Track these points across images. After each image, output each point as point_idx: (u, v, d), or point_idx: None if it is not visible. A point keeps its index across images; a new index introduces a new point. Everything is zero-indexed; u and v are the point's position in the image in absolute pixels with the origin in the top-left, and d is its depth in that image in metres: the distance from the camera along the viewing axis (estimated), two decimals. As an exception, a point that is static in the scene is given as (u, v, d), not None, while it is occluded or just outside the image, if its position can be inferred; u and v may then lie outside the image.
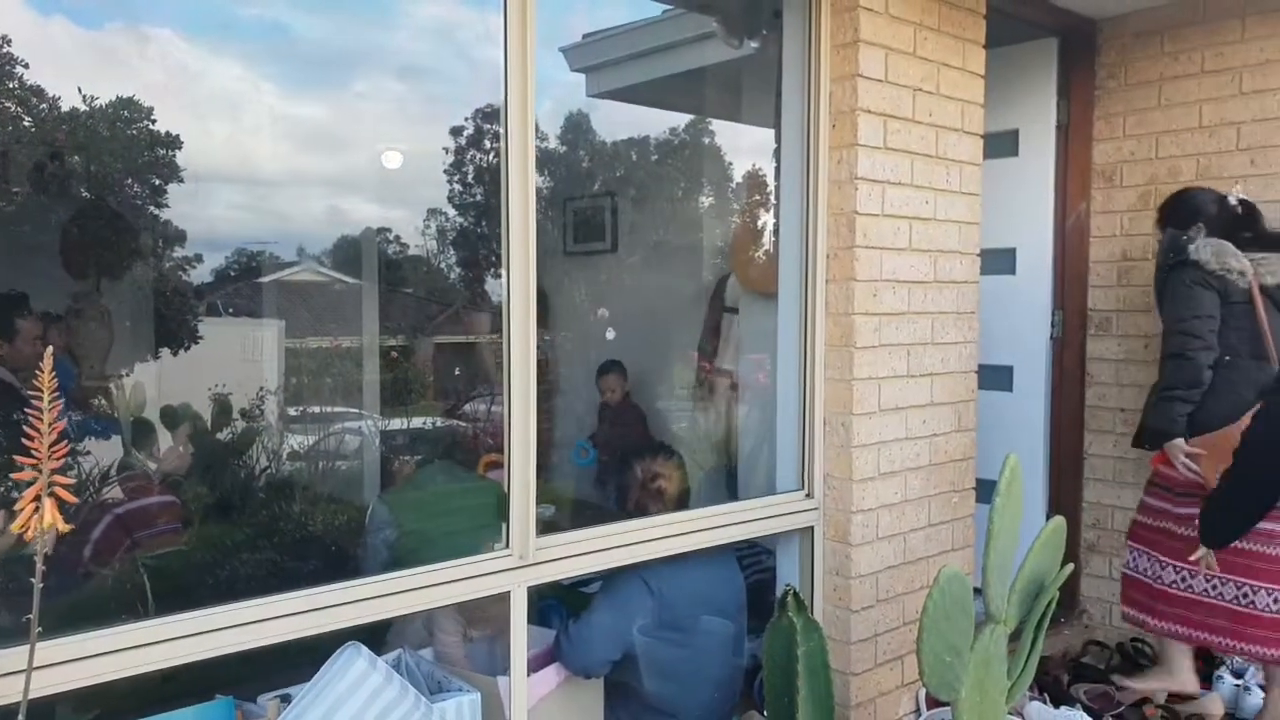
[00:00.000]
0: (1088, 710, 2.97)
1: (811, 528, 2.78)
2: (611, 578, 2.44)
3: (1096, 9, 3.60)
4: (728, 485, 3.37)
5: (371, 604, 1.94)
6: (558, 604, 2.80)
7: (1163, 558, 3.04)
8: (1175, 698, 3.13)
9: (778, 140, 3.00)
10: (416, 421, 5.99)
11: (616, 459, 3.05)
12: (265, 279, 6.76)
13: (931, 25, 2.84)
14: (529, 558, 2.15)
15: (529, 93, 2.13)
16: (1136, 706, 3.03)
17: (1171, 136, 3.54)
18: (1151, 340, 3.60)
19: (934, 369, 2.94)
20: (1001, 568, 2.20)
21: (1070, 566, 2.38)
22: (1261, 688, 3.08)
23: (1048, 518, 3.90)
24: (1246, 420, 2.64)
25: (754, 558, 3.07)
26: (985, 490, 3.84)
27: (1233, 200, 3.03)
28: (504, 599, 2.14)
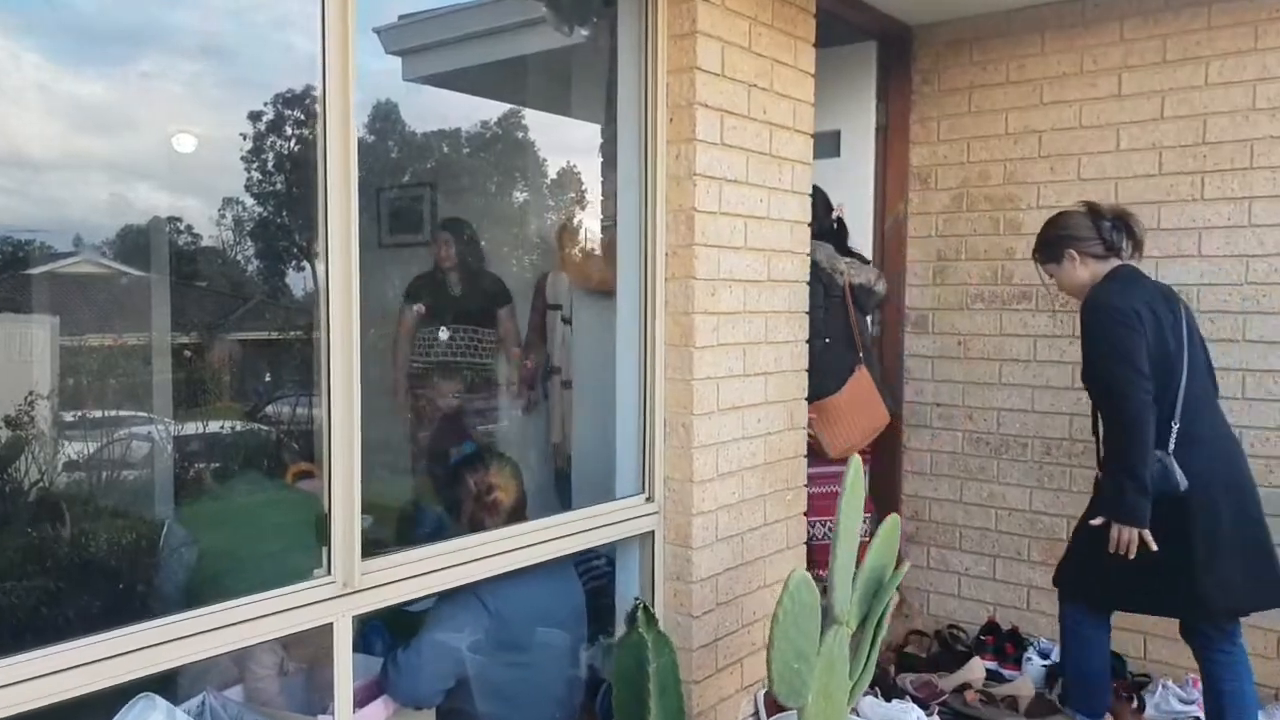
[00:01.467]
0: (915, 700, 3.05)
1: (652, 532, 2.71)
2: (444, 597, 2.26)
3: (912, 15, 3.72)
4: (564, 491, 3.25)
5: (167, 649, 1.68)
6: (382, 627, 2.59)
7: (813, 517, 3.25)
8: (992, 680, 3.28)
9: (611, 133, 2.90)
10: (214, 425, 5.52)
11: (446, 470, 2.87)
12: (35, 270, 6.03)
13: (765, 20, 2.81)
14: (354, 584, 1.94)
15: (349, 73, 1.92)
16: (958, 692, 3.14)
17: (981, 142, 3.70)
18: (966, 338, 3.76)
19: (768, 368, 2.92)
20: (845, 568, 2.19)
21: (907, 564, 2.41)
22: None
23: (865, 518, 4.03)
24: (845, 391, 3.25)
25: (590, 564, 2.96)
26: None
27: (835, 214, 3.55)
28: (326, 631, 1.92)
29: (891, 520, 2.42)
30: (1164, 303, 2.67)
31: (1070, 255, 2.77)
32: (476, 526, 2.29)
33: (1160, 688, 3.15)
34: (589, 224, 4.25)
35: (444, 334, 3.36)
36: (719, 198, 2.73)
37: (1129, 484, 2.51)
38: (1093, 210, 2.79)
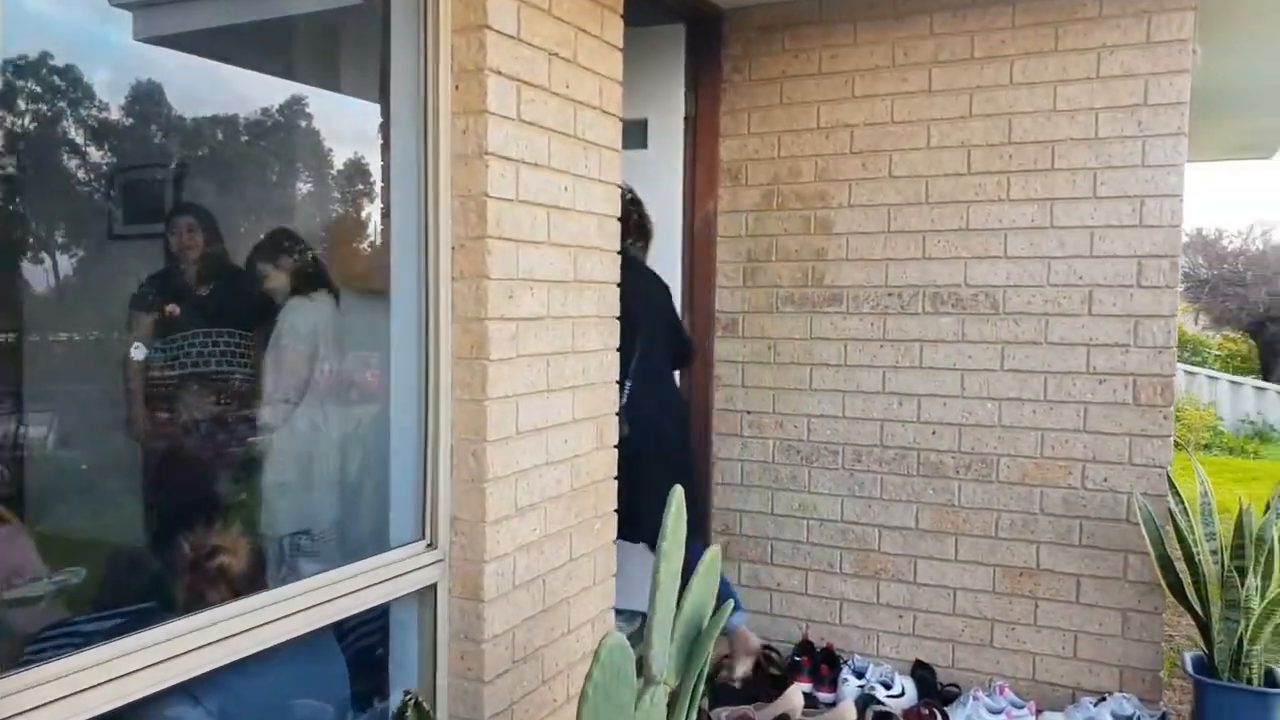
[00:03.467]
0: (733, 736, 2.82)
1: (434, 585, 2.29)
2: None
3: (721, -1, 3.51)
4: (320, 540, 2.73)
5: None
6: None
7: None
8: (812, 705, 3.10)
9: (386, 105, 2.47)
10: None
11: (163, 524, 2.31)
12: None
13: (567, -18, 2.48)
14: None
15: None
16: (776, 722, 2.94)
17: (793, 136, 3.53)
18: (776, 342, 3.59)
19: (575, 381, 2.59)
20: (664, 622, 1.89)
21: (730, 603, 2.14)
22: (886, 685, 3.15)
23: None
24: None
25: (360, 620, 2.51)
26: None
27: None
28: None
29: (711, 555, 2.15)
30: (648, 286, 3.23)
31: None
32: (194, 601, 1.76)
33: (970, 699, 3.07)
34: (371, 215, 3.76)
35: (178, 342, 2.76)
36: (516, 182, 2.36)
37: None
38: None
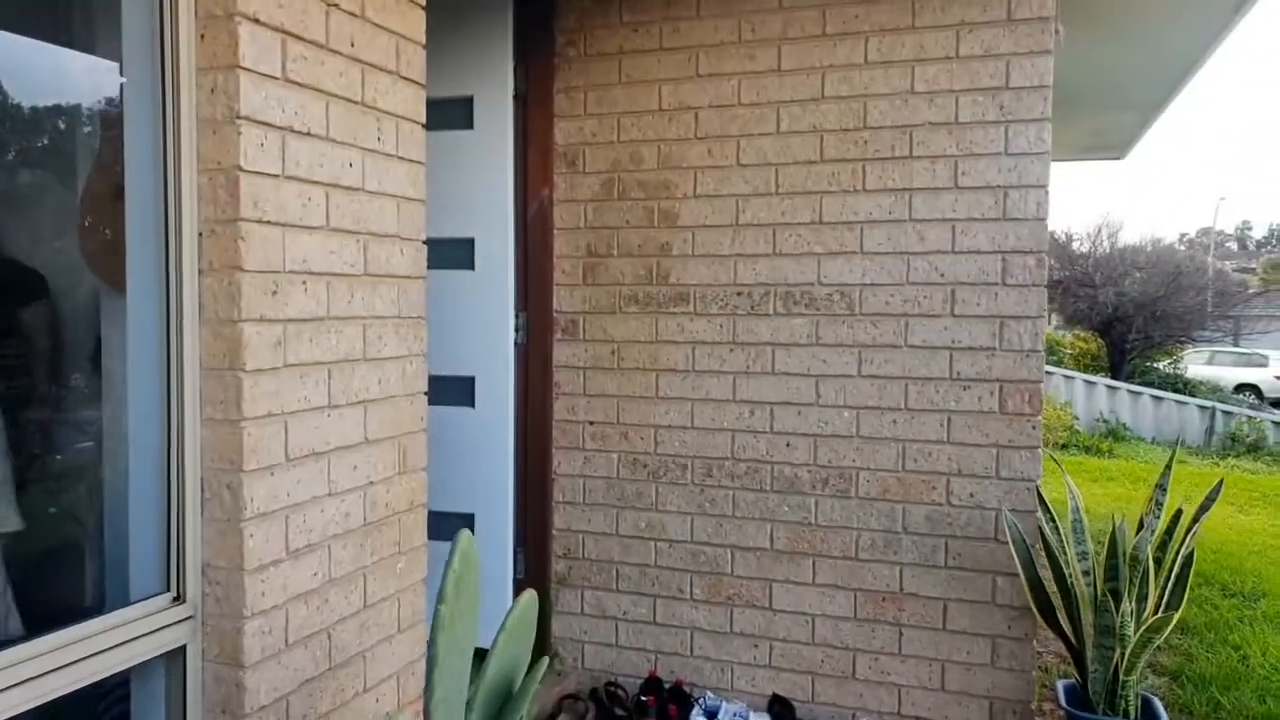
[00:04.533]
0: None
1: (184, 647, 1.84)
2: None
3: (554, -36, 3.13)
4: (33, 594, 2.19)
5: None
6: None
7: None
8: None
9: (119, 57, 1.99)
10: None
11: None
12: None
13: (344, -84, 2.05)
14: None
15: None
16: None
17: (633, 118, 3.18)
18: (620, 345, 3.23)
19: (369, 394, 2.16)
20: (448, 701, 1.49)
21: (545, 661, 1.76)
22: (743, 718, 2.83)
23: (517, 556, 3.41)
24: None
25: (89, 701, 2.02)
26: (443, 526, 3.18)
27: None
28: None
29: (521, 604, 1.76)
30: None
31: None
32: None
33: (832, 737, 2.79)
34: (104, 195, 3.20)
35: None
36: (282, 155, 1.92)
37: None
38: None
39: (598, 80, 3.21)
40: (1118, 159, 6.66)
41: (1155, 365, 16.07)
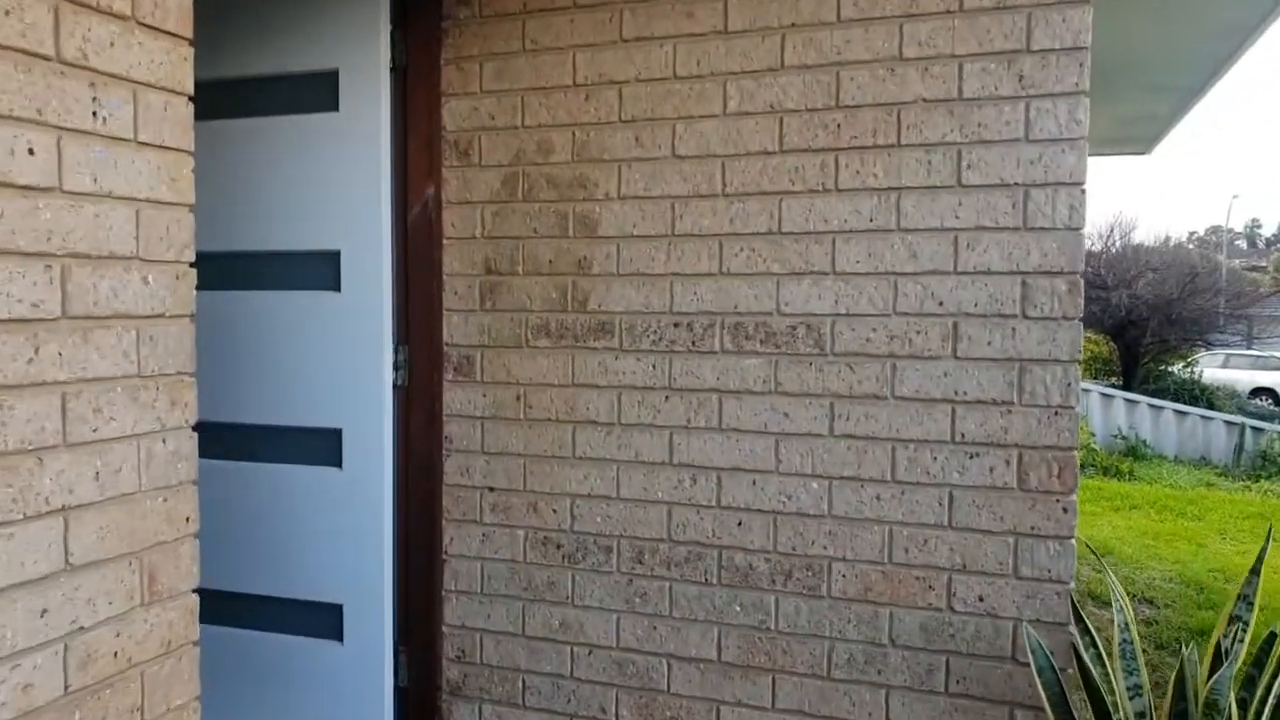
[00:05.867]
0: None
1: None
2: None
3: (437, -104, 2.40)
4: None
5: None
6: None
7: None
8: None
9: None
10: None
11: None
12: None
13: None
14: None
15: None
16: None
17: (541, 96, 2.45)
18: (527, 390, 2.50)
19: (75, 497, 1.43)
20: None
21: None
22: None
23: (399, 658, 2.67)
24: None
25: None
26: (305, 620, 2.49)
27: None
28: None
29: None
30: None
31: None
32: None
33: None
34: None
35: None
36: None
37: None
38: None
39: (496, 48, 2.48)
40: (1143, 154, 5.92)
41: (1170, 370, 15.29)
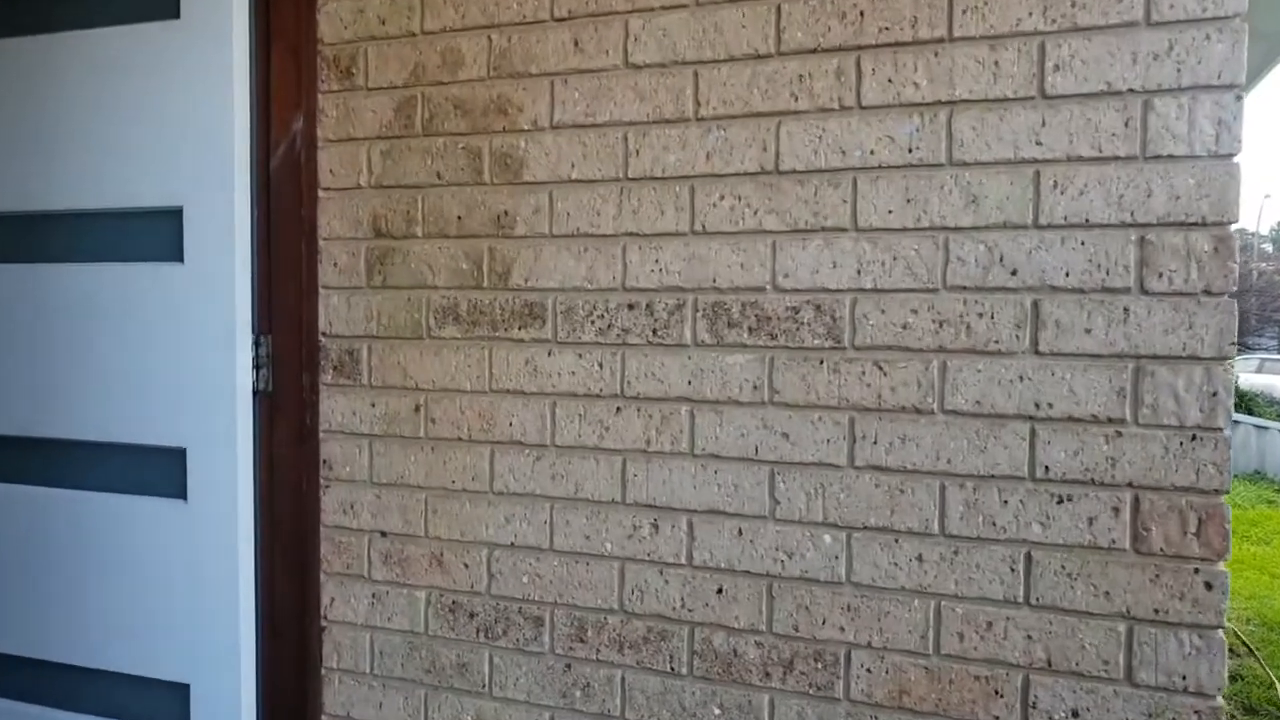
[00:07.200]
0: None
1: None
2: None
3: None
4: None
5: None
6: None
7: None
8: None
9: None
10: None
11: None
12: None
13: None
14: None
15: None
16: None
17: (445, -11, 1.77)
18: (431, 396, 1.81)
19: None
20: None
21: None
22: None
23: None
24: None
25: None
26: (133, 702, 1.85)
27: None
28: None
29: None
30: None
31: None
32: None
33: None
34: None
35: None
36: None
37: None
38: None
39: (387, -76, 1.80)
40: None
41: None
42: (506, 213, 1.74)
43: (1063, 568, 1.42)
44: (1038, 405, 1.43)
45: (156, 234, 1.90)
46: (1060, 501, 1.42)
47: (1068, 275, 1.41)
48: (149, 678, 1.95)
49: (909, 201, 1.49)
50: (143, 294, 1.89)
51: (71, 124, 1.93)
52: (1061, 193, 1.42)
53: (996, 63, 1.45)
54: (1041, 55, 1.42)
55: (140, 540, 1.92)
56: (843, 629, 1.55)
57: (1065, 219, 1.42)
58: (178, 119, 1.85)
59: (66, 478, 1.98)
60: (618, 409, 1.68)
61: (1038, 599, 1.43)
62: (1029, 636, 1.44)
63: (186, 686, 1.93)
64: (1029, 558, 1.44)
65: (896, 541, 1.51)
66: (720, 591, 1.63)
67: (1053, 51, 1.42)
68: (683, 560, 1.65)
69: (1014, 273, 1.44)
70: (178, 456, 1.91)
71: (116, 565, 1.94)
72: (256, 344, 1.89)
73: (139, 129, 1.87)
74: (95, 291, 1.92)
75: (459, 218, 1.78)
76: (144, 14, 1.88)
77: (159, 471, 1.92)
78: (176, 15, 1.86)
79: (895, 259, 1.50)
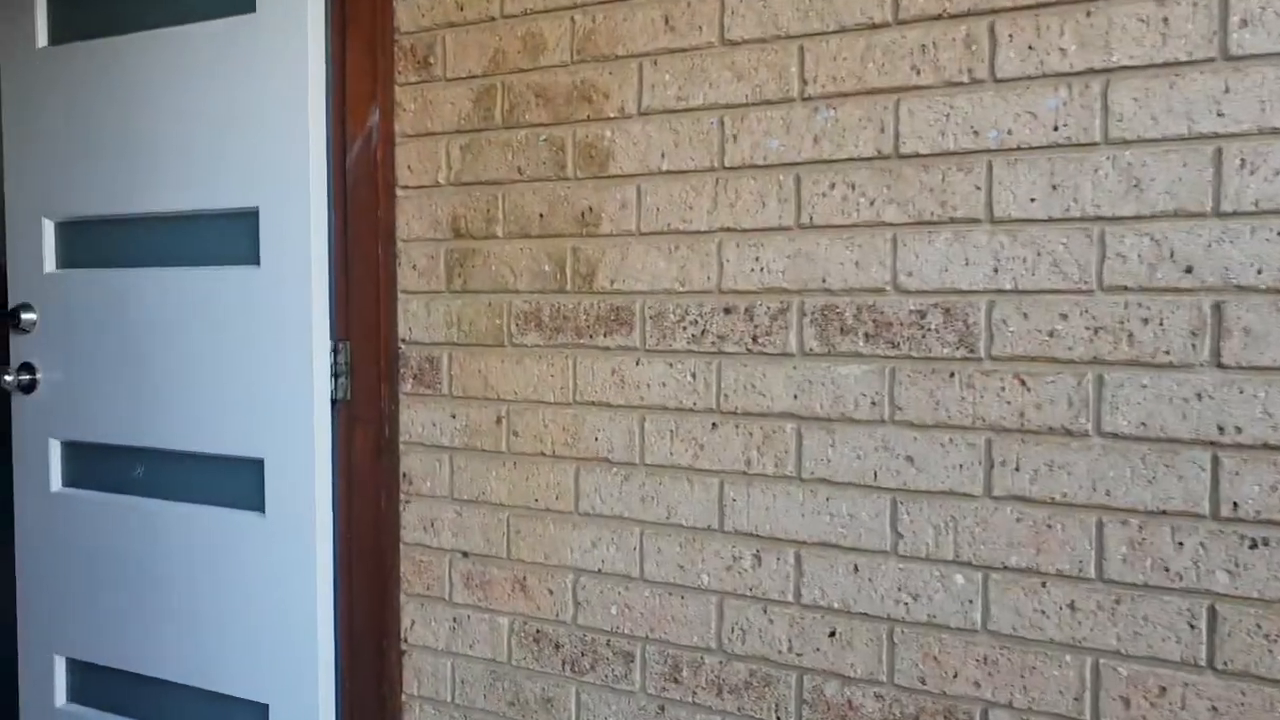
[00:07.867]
0: None
1: None
2: None
3: None
4: None
5: None
6: None
7: None
8: None
9: None
10: None
11: None
12: None
13: None
14: None
15: None
16: None
17: (526, -35, 1.62)
18: (514, 408, 1.68)
19: None
20: None
21: None
22: None
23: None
24: None
25: None
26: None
27: None
28: None
29: None
30: None
31: None
32: None
33: None
34: None
35: None
36: None
37: None
38: None
39: (465, -101, 1.67)
40: None
41: None
42: (591, 209, 1.59)
43: (1258, 627, 1.17)
44: (1221, 429, 1.18)
45: (234, 236, 1.82)
46: (1254, 546, 1.17)
47: (1260, 273, 1.17)
48: (228, 694, 1.88)
49: (1055, 188, 1.27)
50: (221, 298, 1.82)
51: (150, 125, 1.87)
52: (1251, 173, 1.17)
53: (1165, 19, 1.21)
54: (1224, 9, 1.18)
55: (219, 554, 1.85)
56: (978, 684, 1.34)
57: (1256, 205, 1.17)
58: (253, 115, 1.77)
59: (159, 487, 1.94)
60: (713, 425, 1.51)
61: (1225, 663, 1.19)
62: (1214, 708, 1.20)
63: (265, 707, 1.86)
64: (1213, 612, 1.20)
65: (1043, 585, 1.29)
66: (833, 635, 1.43)
67: (1238, 4, 1.17)
68: (789, 598, 1.46)
69: (1189, 270, 1.20)
70: (255, 467, 1.83)
71: (195, 578, 1.88)
72: (335, 350, 1.79)
73: (215, 127, 1.80)
74: (176, 296, 1.86)
75: (541, 216, 1.63)
76: (220, 9, 1.80)
77: (237, 482, 1.85)
78: (253, 9, 1.78)
79: (1039, 255, 1.28)
